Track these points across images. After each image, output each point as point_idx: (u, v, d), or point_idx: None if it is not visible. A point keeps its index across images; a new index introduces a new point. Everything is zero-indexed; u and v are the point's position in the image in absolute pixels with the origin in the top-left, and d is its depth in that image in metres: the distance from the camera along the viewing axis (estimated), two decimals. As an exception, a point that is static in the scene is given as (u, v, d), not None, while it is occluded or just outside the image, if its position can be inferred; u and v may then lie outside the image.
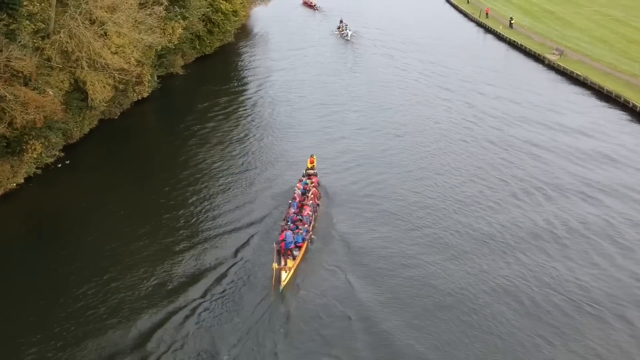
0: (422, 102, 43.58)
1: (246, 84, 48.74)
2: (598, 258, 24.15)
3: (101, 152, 33.68)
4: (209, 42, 53.77)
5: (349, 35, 64.39)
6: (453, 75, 50.89)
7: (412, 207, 27.60)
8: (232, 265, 22.50)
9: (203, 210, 27.12)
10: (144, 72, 40.08)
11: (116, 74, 30.10)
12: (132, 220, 26.14)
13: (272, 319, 19.71)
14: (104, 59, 28.44)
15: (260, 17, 77.10)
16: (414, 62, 55.44)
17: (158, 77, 46.25)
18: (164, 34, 39.65)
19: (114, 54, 30.17)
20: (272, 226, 25.29)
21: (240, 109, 42.05)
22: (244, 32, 67.95)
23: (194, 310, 20.11)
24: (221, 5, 51.66)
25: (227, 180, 30.30)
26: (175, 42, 41.35)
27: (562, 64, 52.83)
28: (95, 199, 28.06)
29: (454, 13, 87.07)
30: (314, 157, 30.58)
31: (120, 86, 32.96)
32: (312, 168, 29.75)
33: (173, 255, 23.43)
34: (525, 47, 60.28)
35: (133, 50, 31.32)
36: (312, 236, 24.18)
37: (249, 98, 44.92)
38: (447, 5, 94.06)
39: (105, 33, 29.45)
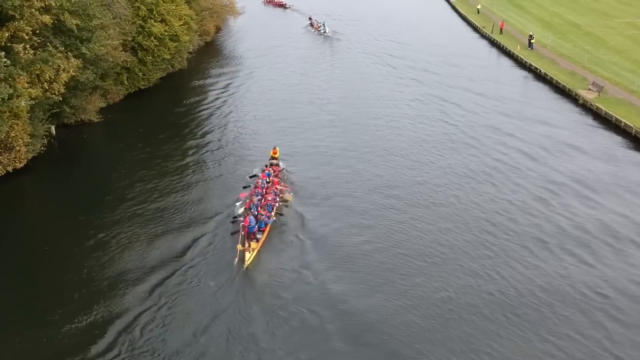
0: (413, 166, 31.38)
1: (189, 127, 36.87)
2: None
3: None
4: (144, 75, 41.61)
5: (328, 31, 63.60)
6: (455, 129, 38.58)
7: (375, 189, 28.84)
8: (199, 251, 22.71)
9: None
10: (15, 133, 28.07)
11: None
12: None
13: (238, 296, 20.24)
14: None
15: (231, 30, 66.79)
16: (415, 113, 43.15)
17: (62, 126, 34.38)
18: (38, 81, 27.43)
19: None
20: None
21: (173, 170, 30.45)
22: (208, 52, 56.63)
23: (156, 296, 19.98)
24: (153, 29, 39.34)
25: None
26: (61, 91, 29.00)
27: (603, 106, 39.76)
28: None
29: (462, 25, 74.20)
30: (277, 148, 30.80)
31: None
32: (274, 159, 30.08)
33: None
34: (552, 79, 47.21)
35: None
36: (282, 206, 26.04)
37: (189, 149, 33.45)
38: (454, 14, 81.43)
39: None
